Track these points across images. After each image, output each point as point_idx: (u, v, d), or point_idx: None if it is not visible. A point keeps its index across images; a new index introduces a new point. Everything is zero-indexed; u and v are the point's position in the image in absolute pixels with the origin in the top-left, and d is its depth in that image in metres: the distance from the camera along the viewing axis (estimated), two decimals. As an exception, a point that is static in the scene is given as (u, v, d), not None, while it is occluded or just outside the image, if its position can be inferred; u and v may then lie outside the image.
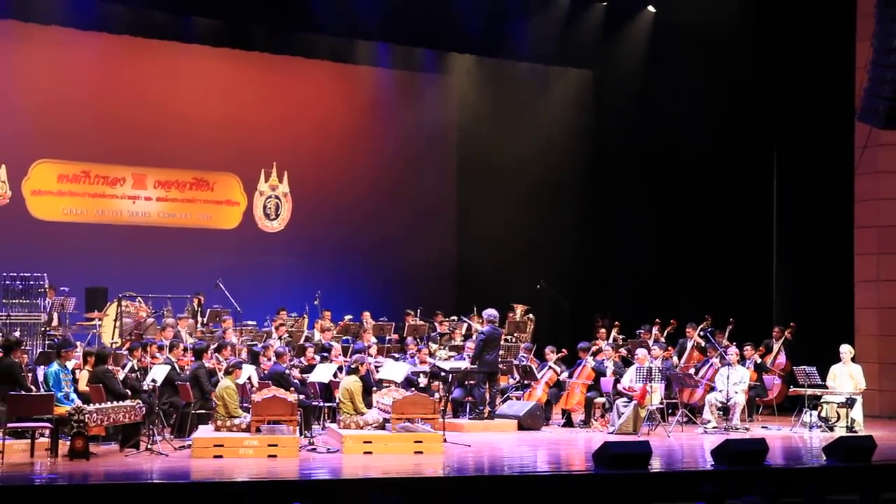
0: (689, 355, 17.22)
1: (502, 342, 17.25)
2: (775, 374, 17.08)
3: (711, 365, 16.14)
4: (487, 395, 15.48)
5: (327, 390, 14.69)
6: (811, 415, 15.39)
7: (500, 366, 16.03)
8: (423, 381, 15.69)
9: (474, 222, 21.57)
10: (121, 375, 13.23)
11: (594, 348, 16.49)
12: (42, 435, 12.06)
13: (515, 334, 18.35)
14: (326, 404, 14.72)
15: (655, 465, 11.60)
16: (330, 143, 21.43)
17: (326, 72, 21.46)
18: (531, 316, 19.25)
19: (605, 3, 21.23)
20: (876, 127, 16.04)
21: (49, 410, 11.76)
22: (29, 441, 11.94)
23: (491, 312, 15.69)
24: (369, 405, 13.56)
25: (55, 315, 16.63)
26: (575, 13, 20.86)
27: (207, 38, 20.08)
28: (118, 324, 16.36)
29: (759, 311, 19.36)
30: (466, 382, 15.63)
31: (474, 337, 16.32)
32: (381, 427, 13.01)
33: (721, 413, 15.40)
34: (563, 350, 16.82)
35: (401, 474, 11.01)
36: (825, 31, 18.54)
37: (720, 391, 15.38)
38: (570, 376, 16.05)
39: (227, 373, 13.21)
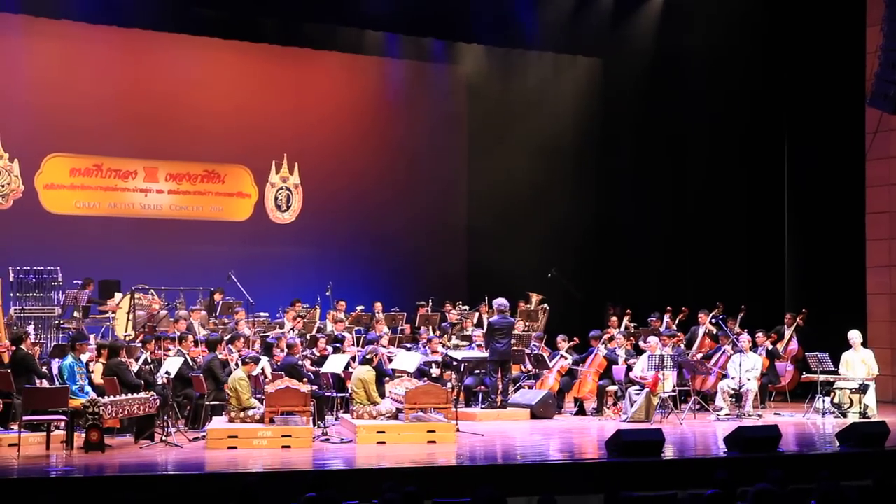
0: (700, 342, 17.21)
1: (515, 331, 17.30)
2: (787, 360, 17.07)
3: (724, 352, 16.13)
4: (499, 384, 15.50)
5: (340, 381, 14.75)
6: (824, 401, 15.38)
7: (513, 353, 16.07)
8: (435, 370, 15.72)
9: (485, 212, 21.57)
10: (134, 368, 13.31)
11: (606, 336, 16.50)
12: (57, 427, 12.16)
13: (527, 323, 18.34)
14: (339, 395, 14.77)
15: (668, 452, 11.63)
16: (340, 134, 21.44)
17: (336, 63, 21.47)
18: (545, 306, 19.26)
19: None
20: (887, 112, 16.03)
21: (64, 403, 11.84)
22: (45, 434, 12.02)
23: (501, 302, 15.73)
24: (382, 395, 13.60)
25: (80, 308, 16.67)
26: (584, 1, 20.80)
27: (217, 31, 20.10)
28: (131, 316, 16.42)
29: (771, 297, 19.35)
30: (478, 371, 15.67)
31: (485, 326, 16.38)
32: (395, 417, 13.05)
33: (733, 400, 15.39)
34: (575, 338, 16.83)
35: (414, 464, 11.05)
36: (835, 16, 18.49)
37: (732, 378, 15.37)
38: (582, 364, 16.06)
39: (244, 363, 13.27)
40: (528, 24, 20.64)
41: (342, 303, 18.16)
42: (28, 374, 12.69)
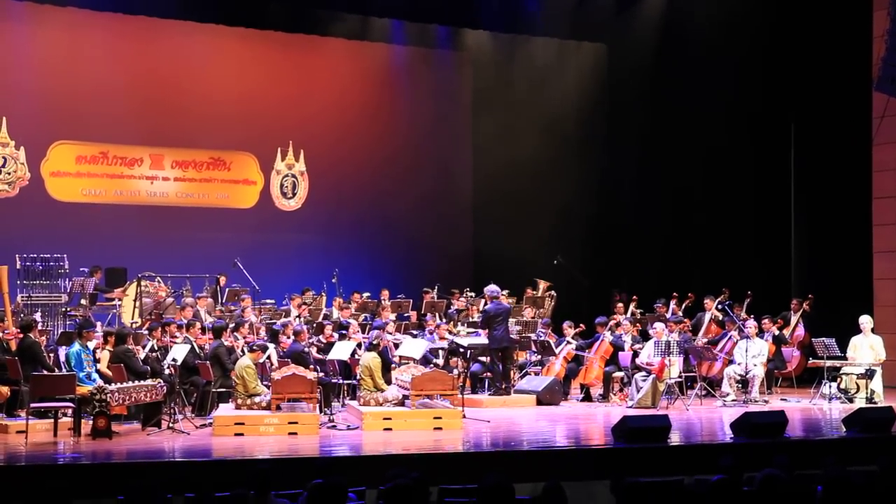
0: (706, 328, 17.21)
1: (521, 317, 17.32)
2: (794, 346, 17.06)
3: (730, 338, 16.12)
4: (501, 371, 15.48)
5: (346, 368, 14.77)
6: (830, 386, 15.37)
7: (516, 337, 16.05)
8: (441, 357, 15.73)
9: (490, 198, 21.56)
10: (141, 355, 13.34)
11: (612, 323, 16.50)
12: (65, 415, 12.19)
13: (532, 309, 18.30)
14: (346, 381, 14.80)
15: (674, 438, 11.64)
16: (346, 121, 21.42)
17: (341, 50, 21.42)
18: (553, 293, 19.24)
19: (619, -24, 21.10)
20: (893, 96, 16.00)
21: (71, 390, 11.88)
22: (52, 421, 12.06)
23: (492, 289, 15.66)
24: (388, 382, 13.62)
25: (87, 296, 16.71)
26: (589, -13, 20.75)
27: (223, 18, 20.07)
28: (138, 304, 16.45)
29: (777, 283, 19.33)
30: (483, 358, 15.67)
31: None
32: (401, 403, 13.07)
33: (740, 386, 15.40)
34: (581, 325, 16.83)
35: (420, 450, 11.07)
36: (841, 1, 18.41)
37: (739, 364, 15.37)
38: (589, 351, 16.06)
39: (251, 351, 13.29)
40: (533, 10, 20.58)
41: (356, 295, 18.16)
42: (35, 362, 12.73)
